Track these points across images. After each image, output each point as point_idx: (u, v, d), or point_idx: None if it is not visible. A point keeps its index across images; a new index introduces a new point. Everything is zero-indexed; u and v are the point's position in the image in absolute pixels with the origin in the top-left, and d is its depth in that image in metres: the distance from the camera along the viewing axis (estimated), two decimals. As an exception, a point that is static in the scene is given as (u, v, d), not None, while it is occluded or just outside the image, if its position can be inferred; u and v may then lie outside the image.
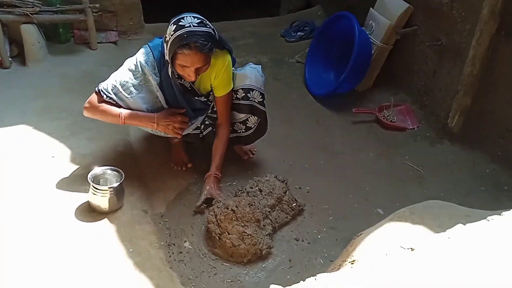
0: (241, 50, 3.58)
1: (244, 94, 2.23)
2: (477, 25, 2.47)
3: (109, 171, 2.08)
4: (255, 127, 2.33)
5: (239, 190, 2.20)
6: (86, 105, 2.06)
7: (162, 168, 2.36)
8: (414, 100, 3.11)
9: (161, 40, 2.07)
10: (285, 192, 2.18)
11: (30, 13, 3.00)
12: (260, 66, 2.37)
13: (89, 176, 2.00)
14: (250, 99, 2.24)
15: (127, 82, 2.03)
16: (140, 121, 2.08)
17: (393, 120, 2.98)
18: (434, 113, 2.93)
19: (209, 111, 2.31)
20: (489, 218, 1.13)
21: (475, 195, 2.42)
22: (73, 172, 2.18)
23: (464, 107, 2.64)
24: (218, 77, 2.14)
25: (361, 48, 2.94)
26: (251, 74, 2.26)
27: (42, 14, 3.09)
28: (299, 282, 0.96)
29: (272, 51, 3.70)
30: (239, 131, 2.37)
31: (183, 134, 2.22)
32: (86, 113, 2.08)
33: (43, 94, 2.77)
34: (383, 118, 2.98)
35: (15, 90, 2.79)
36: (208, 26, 1.95)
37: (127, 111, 2.05)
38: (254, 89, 2.24)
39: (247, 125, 2.33)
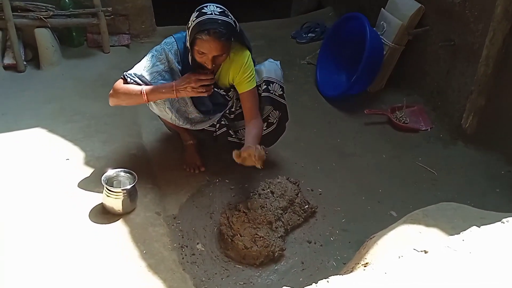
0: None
1: (265, 87, 2.24)
2: (490, 25, 2.44)
3: (122, 173, 2.10)
4: (277, 122, 2.32)
5: (251, 192, 2.20)
6: (111, 91, 2.08)
7: (175, 171, 2.38)
8: (427, 101, 3.08)
9: (185, 33, 2.09)
10: (297, 194, 2.18)
11: (43, 17, 3.05)
12: (279, 61, 2.38)
13: (102, 178, 2.03)
14: (271, 91, 2.25)
15: (152, 67, 2.07)
16: (162, 93, 2.05)
17: (405, 122, 2.96)
18: (448, 114, 2.90)
19: (227, 111, 2.31)
20: (504, 220, 1.12)
21: (490, 197, 2.39)
22: (87, 174, 2.21)
23: (478, 107, 2.61)
24: (240, 73, 2.13)
25: (372, 49, 2.92)
26: (270, 68, 2.29)
27: (56, 18, 3.13)
28: (311, 284, 0.96)
29: (283, 53, 3.70)
30: None
31: (199, 128, 2.24)
32: (111, 101, 2.09)
33: (57, 97, 2.81)
34: (396, 120, 2.96)
35: (29, 93, 2.84)
36: (229, 17, 1.98)
37: (148, 87, 2.04)
38: (275, 82, 2.26)
39: (269, 120, 2.32)
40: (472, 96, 2.61)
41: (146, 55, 2.12)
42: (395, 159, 2.69)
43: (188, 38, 2.00)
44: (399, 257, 1.03)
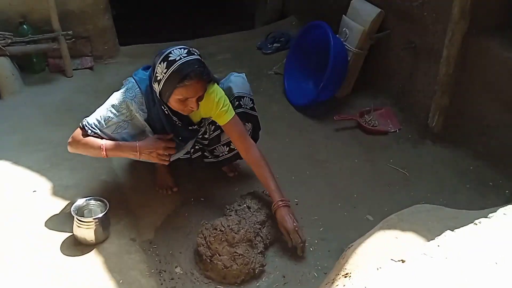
0: (218, 66, 3.57)
1: (237, 102, 2.22)
2: (448, 26, 2.51)
3: (92, 201, 2.05)
4: (250, 133, 2.29)
5: (227, 209, 2.17)
6: (70, 140, 2.02)
7: (148, 193, 2.33)
8: (394, 103, 3.13)
9: (147, 73, 2.03)
10: (273, 207, 2.16)
11: (2, 46, 2.96)
12: (244, 73, 2.38)
13: (72, 208, 1.97)
14: (243, 106, 2.24)
15: (112, 118, 1.99)
16: (122, 151, 2.02)
17: (374, 125, 3.00)
18: (414, 115, 2.96)
19: (200, 136, 2.27)
20: (476, 221, 1.14)
21: (461, 193, 2.44)
22: (56, 205, 2.14)
23: (442, 106, 2.67)
24: (214, 109, 2.08)
25: (337, 56, 2.96)
26: (237, 82, 2.29)
27: (14, 45, 3.04)
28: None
29: (250, 65, 3.71)
30: (235, 148, 2.31)
31: (173, 159, 2.18)
32: (69, 148, 2.04)
33: (21, 126, 2.73)
34: (365, 123, 2.99)
35: (-9, 125, 2.74)
36: (196, 53, 1.93)
37: (109, 143, 1.99)
38: (245, 96, 2.27)
39: None
40: (436, 96, 2.67)
41: (107, 100, 2.04)
42: (367, 162, 2.72)
43: (160, 90, 1.91)
44: (378, 268, 1.04)
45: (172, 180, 2.36)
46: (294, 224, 2.01)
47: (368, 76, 3.30)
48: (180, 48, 1.91)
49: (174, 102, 1.93)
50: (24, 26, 3.12)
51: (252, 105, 2.29)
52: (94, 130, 1.99)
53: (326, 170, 2.65)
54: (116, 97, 2.03)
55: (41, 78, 3.25)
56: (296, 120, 3.12)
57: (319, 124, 3.06)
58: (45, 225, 2.03)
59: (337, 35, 3.16)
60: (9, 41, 3.01)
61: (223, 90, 2.15)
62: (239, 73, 2.40)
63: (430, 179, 2.57)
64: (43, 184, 2.26)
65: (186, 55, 1.89)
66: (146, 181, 2.39)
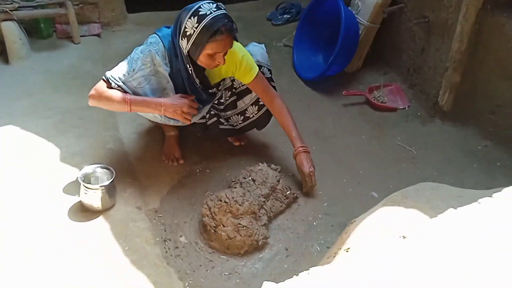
0: (227, 36, 3.52)
1: None
2: (463, 0, 2.44)
3: (99, 169, 2.07)
4: None
5: (232, 181, 2.18)
6: (92, 92, 1.99)
7: (154, 163, 2.34)
8: (404, 79, 3.09)
9: (169, 30, 2.03)
10: (278, 181, 2.17)
11: (9, 10, 2.94)
12: (264, 44, 2.37)
13: (79, 175, 1.99)
14: None
15: (136, 72, 1.99)
16: (148, 106, 2.00)
17: (383, 101, 2.97)
18: (424, 92, 2.92)
19: (216, 101, 2.27)
20: (480, 200, 1.13)
21: (468, 173, 2.43)
22: (63, 172, 2.16)
23: (453, 84, 2.63)
24: (237, 69, 2.11)
25: (348, 29, 2.90)
26: (256, 52, 2.28)
27: (22, 10, 3.02)
28: (296, 271, 0.96)
29: (259, 36, 3.65)
30: (251, 116, 2.36)
31: (190, 123, 2.18)
32: (91, 102, 2.01)
33: (28, 92, 2.73)
34: (374, 99, 2.96)
35: (-1, 90, 2.75)
36: (223, 8, 1.93)
37: (134, 97, 1.98)
38: (263, 65, 2.27)
39: (260, 103, 2.32)
40: (447, 73, 2.62)
41: (129, 55, 2.03)
42: (375, 139, 2.71)
43: (191, 46, 1.91)
44: (378, 243, 1.04)
45: (179, 152, 2.37)
46: (311, 169, 2.16)
47: (379, 51, 3.24)
48: (209, 3, 1.90)
49: (203, 57, 1.94)
50: (32, -10, 3.09)
51: (270, 75, 2.30)
52: (118, 83, 1.97)
53: (332, 145, 2.64)
54: (140, 50, 2.02)
55: (48, 44, 3.24)
56: (304, 94, 3.09)
57: (328, 98, 3.04)
58: (52, 191, 2.05)
59: (349, 8, 3.09)
60: (17, 5, 2.99)
61: None
62: (258, 43, 2.38)
63: (437, 157, 2.55)
64: (50, 151, 2.28)
65: (215, 9, 1.88)
66: (152, 151, 2.40)
